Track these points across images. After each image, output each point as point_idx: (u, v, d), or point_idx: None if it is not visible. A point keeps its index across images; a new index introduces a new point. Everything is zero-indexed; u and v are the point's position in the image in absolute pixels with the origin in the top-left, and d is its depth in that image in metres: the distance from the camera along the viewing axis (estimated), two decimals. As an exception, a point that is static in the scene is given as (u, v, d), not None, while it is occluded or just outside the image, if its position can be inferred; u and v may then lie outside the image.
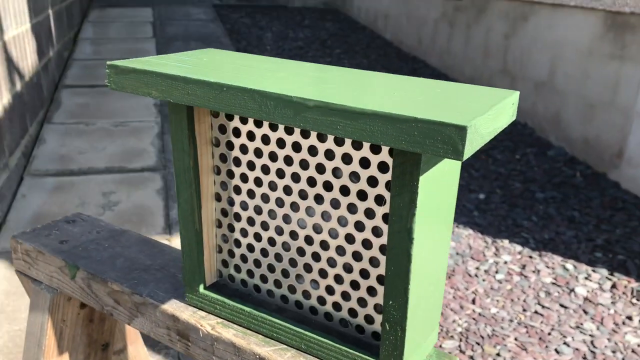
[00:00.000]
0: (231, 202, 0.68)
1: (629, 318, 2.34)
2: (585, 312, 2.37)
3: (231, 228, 0.69)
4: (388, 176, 0.55)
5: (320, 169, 0.59)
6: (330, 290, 0.64)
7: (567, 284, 2.54)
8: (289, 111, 0.50)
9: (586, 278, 2.61)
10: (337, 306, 0.64)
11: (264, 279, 0.69)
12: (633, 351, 2.15)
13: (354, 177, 0.58)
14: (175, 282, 0.78)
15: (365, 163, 0.56)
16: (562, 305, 2.38)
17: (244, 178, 0.66)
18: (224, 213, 0.69)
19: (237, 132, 0.64)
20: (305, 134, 0.59)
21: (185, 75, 0.55)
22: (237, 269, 0.70)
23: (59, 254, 0.83)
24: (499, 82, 4.14)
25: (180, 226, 0.69)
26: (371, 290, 0.61)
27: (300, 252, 0.64)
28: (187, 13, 6.22)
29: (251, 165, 0.64)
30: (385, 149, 0.54)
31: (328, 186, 0.60)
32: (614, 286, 2.54)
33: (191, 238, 0.69)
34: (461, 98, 0.51)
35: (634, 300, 2.46)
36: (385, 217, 0.57)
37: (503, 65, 4.10)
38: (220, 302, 0.69)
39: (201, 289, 0.71)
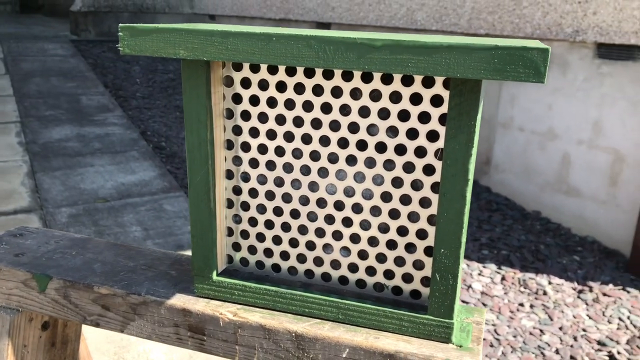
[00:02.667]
0: (245, 178, 0.64)
1: (521, 305, 2.54)
2: (484, 305, 2.54)
3: (245, 206, 0.65)
4: (429, 126, 0.56)
5: (354, 127, 0.59)
6: (363, 255, 0.62)
7: (464, 281, 2.71)
8: (352, 54, 0.49)
9: (479, 274, 2.80)
10: (371, 270, 0.63)
11: (285, 255, 0.65)
12: (530, 333, 2.33)
13: (391, 132, 0.58)
14: (171, 278, 0.71)
15: (405, 115, 0.57)
16: (463, 301, 2.52)
17: (262, 149, 0.63)
18: (237, 191, 0.65)
19: (254, 100, 0.62)
20: (336, 93, 0.58)
21: (222, 29, 0.52)
22: (252, 250, 0.66)
23: (19, 267, 0.72)
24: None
25: (191, 208, 0.64)
26: (410, 247, 0.61)
27: (329, 219, 0.62)
28: (43, 48, 5.81)
29: (271, 134, 0.62)
30: (427, 102, 0.55)
31: (362, 145, 0.59)
32: (503, 278, 2.75)
33: (204, 220, 0.64)
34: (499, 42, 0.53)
35: (522, 289, 2.68)
36: (425, 169, 0.58)
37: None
38: (239, 287, 0.65)
39: (214, 276, 0.66)
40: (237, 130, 0.63)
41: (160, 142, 3.92)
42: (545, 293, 2.59)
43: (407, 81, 0.56)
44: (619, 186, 2.86)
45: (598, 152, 2.93)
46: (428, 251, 0.60)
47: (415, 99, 0.56)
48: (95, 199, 3.03)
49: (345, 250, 0.63)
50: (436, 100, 0.55)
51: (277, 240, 0.65)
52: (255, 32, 0.51)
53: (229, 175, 0.65)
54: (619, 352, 2.21)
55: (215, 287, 0.66)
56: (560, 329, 2.32)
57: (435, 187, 0.58)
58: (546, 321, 2.37)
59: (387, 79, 0.56)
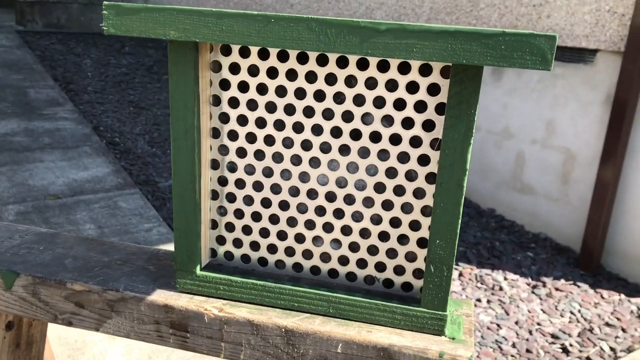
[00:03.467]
0: (232, 168, 0.62)
1: (479, 300, 2.59)
2: (444, 301, 2.57)
3: (231, 198, 0.63)
4: (425, 116, 0.56)
5: (348, 116, 0.57)
6: (354, 247, 0.61)
7: (424, 277, 2.73)
8: (354, 38, 0.48)
9: (438, 271, 2.83)
10: (362, 263, 0.61)
11: (272, 249, 0.63)
12: (488, 328, 2.38)
13: (386, 121, 0.57)
14: (149, 273, 0.68)
15: (401, 104, 0.56)
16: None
17: (250, 138, 0.60)
18: (222, 182, 0.63)
19: (243, 87, 0.59)
20: (330, 81, 0.57)
21: (216, 10, 0.50)
22: (237, 243, 0.64)
23: (-17, 263, 0.67)
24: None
25: (175, 199, 0.61)
26: (402, 239, 0.60)
27: (320, 211, 0.61)
28: (-15, 38, 5.53)
29: (261, 123, 0.60)
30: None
31: (356, 135, 0.58)
32: (461, 274, 2.80)
33: (189, 212, 0.61)
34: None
35: (479, 285, 2.73)
36: (420, 159, 0.57)
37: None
38: (225, 281, 0.62)
39: (198, 270, 0.63)
40: (224, 118, 0.60)
41: (114, 138, 3.80)
42: (501, 288, 2.65)
43: (404, 69, 0.55)
44: (570, 184, 2.96)
45: (551, 151, 3.02)
46: (421, 243, 0.59)
47: (412, 87, 0.55)
48: (45, 196, 2.91)
49: (336, 243, 0.61)
50: (433, 89, 0.55)
51: (264, 232, 0.63)
52: (253, 13, 0.49)
53: (214, 165, 0.62)
54: (571, 345, 2.28)
55: (199, 282, 0.63)
56: (516, 323, 2.38)
57: (429, 178, 0.57)
58: (503, 316, 2.42)
59: (383, 67, 0.55)
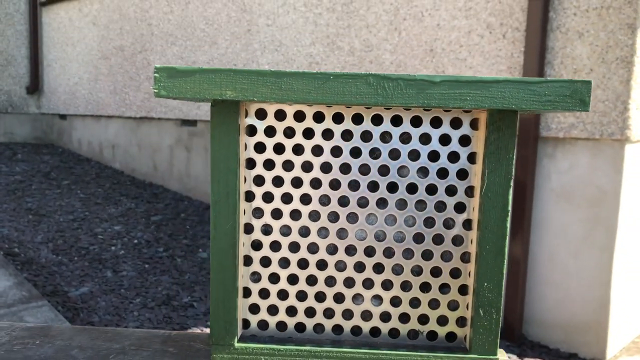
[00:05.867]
0: (266, 231, 0.61)
1: None
2: None
3: (265, 262, 0.61)
4: (457, 166, 0.59)
5: (384, 170, 0.60)
6: (395, 302, 0.61)
7: None
8: (411, 90, 0.51)
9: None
10: (404, 317, 0.61)
11: (310, 312, 0.62)
12: None
13: (421, 172, 0.60)
14: (172, 356, 0.62)
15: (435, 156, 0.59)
16: None
17: (286, 198, 0.60)
18: (256, 246, 0.61)
19: (279, 148, 0.60)
20: (366, 137, 0.59)
21: (274, 69, 0.51)
22: (273, 310, 0.62)
23: (-25, 363, 0.59)
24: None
25: (214, 266, 0.58)
26: (444, 288, 0.61)
27: (359, 267, 0.61)
28: None
29: (297, 182, 0.60)
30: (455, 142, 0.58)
31: (392, 187, 0.60)
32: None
33: (228, 279, 0.58)
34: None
35: None
36: (456, 207, 0.60)
37: (246, 181, 4.37)
38: (267, 351, 0.59)
39: (236, 343, 0.59)
40: (259, 181, 0.60)
41: (13, 249, 3.50)
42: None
43: (436, 123, 0.59)
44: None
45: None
46: (462, 290, 0.61)
47: (444, 140, 0.59)
48: (-63, 317, 2.58)
49: (377, 299, 0.61)
50: (464, 140, 0.59)
51: (301, 296, 0.61)
52: (311, 72, 0.51)
53: (248, 229, 0.61)
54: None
55: (237, 355, 0.59)
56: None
57: (466, 224, 0.60)
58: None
59: (416, 122, 0.59)
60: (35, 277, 3.18)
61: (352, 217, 0.60)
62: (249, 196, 0.60)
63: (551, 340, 2.91)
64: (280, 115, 0.59)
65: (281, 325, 0.62)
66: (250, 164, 0.60)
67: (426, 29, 3.12)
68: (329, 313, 0.61)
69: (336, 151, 0.60)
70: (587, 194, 2.78)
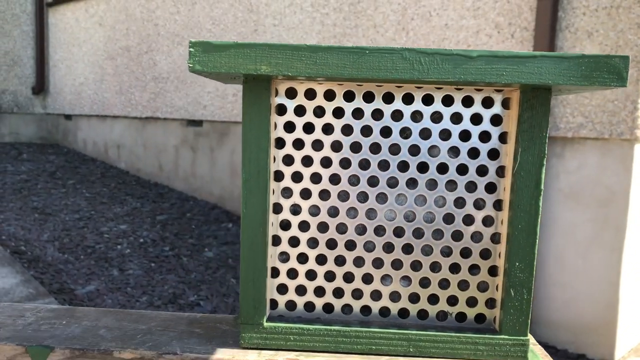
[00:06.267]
0: (295, 211, 0.61)
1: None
2: None
3: (294, 242, 0.61)
4: (488, 146, 0.59)
5: (414, 149, 0.59)
6: (424, 282, 0.61)
7: None
8: (447, 65, 0.51)
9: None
10: (433, 298, 0.61)
11: (338, 293, 0.61)
12: None
13: (452, 152, 0.59)
14: (200, 336, 0.62)
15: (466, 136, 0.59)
16: None
17: (315, 178, 0.60)
18: (284, 226, 0.61)
19: (309, 128, 0.60)
20: (396, 117, 0.59)
21: (309, 44, 0.51)
22: (301, 290, 0.61)
23: (4, 341, 0.59)
24: (251, 198, 4.37)
25: (244, 245, 0.58)
26: (473, 269, 0.60)
27: (388, 248, 0.60)
28: None
29: (326, 163, 0.60)
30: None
31: (423, 167, 0.60)
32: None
33: (258, 258, 0.58)
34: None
35: None
36: (487, 187, 0.59)
37: (252, 182, 4.37)
38: (296, 331, 0.59)
39: (265, 322, 0.59)
40: (288, 160, 0.60)
41: (19, 247, 3.51)
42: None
43: (468, 103, 0.58)
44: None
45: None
46: (492, 271, 0.60)
47: (476, 119, 0.59)
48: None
49: (406, 280, 0.61)
50: (496, 120, 0.59)
51: (330, 276, 0.61)
52: (347, 46, 0.51)
53: (277, 209, 0.61)
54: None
55: (266, 334, 0.59)
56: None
57: (497, 205, 0.60)
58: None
59: (447, 101, 0.59)
60: (42, 274, 3.18)
61: (382, 198, 0.60)
62: (278, 176, 0.60)
63: (559, 340, 2.90)
64: (310, 95, 0.59)
65: (309, 306, 0.62)
66: (280, 143, 0.60)
67: (434, 28, 3.12)
68: (357, 294, 0.61)
69: (366, 130, 0.59)
70: (595, 194, 2.77)
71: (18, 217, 3.99)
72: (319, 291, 0.61)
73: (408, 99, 0.59)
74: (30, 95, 6.43)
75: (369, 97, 0.59)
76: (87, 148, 6.00)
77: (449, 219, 0.60)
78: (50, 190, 4.67)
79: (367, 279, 0.61)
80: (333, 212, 0.60)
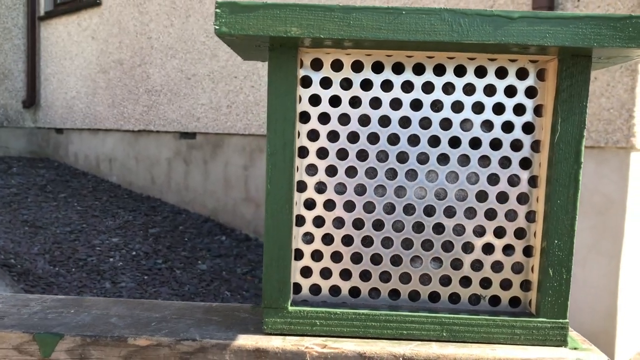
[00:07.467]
0: (320, 189, 0.58)
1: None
2: None
3: (319, 222, 0.58)
4: (523, 119, 0.56)
5: (446, 124, 0.57)
6: (456, 264, 0.58)
7: None
8: (488, 27, 0.48)
9: None
10: (465, 281, 0.58)
11: (365, 276, 0.58)
12: None
13: (485, 126, 0.57)
14: (218, 323, 0.59)
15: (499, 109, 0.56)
16: None
17: (342, 154, 0.57)
18: (309, 205, 0.58)
19: (335, 101, 0.57)
20: (427, 89, 0.56)
21: (342, 4, 0.49)
22: (326, 274, 0.58)
23: (8, 329, 0.55)
24: (245, 210, 4.33)
25: (268, 224, 0.55)
26: (507, 249, 0.58)
27: (418, 227, 0.57)
28: None
29: (353, 138, 0.57)
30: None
31: (454, 142, 0.57)
32: None
33: (284, 238, 0.55)
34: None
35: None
36: (522, 163, 0.57)
37: (246, 194, 4.33)
38: (322, 315, 0.55)
39: (289, 306, 0.56)
40: (313, 136, 0.57)
41: (9, 259, 3.43)
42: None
43: (501, 74, 0.56)
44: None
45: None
46: (527, 251, 0.57)
47: (510, 91, 0.56)
48: None
49: (436, 262, 0.58)
50: (530, 92, 0.56)
51: (356, 258, 0.58)
52: (382, 7, 0.48)
53: (301, 187, 0.57)
54: None
55: (291, 319, 0.55)
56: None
57: (531, 182, 0.57)
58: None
59: (480, 73, 0.56)
60: (32, 288, 3.11)
61: (411, 175, 0.57)
62: (302, 152, 0.57)
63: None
64: (336, 66, 0.56)
65: (334, 290, 0.58)
66: (304, 117, 0.57)
67: None
68: (385, 277, 0.58)
69: (395, 104, 0.57)
70: (593, 202, 2.76)
71: (7, 230, 3.92)
72: (345, 274, 0.58)
73: (439, 70, 0.56)
74: (21, 109, 6.37)
75: (398, 69, 0.56)
76: (79, 162, 5.93)
77: (481, 196, 0.57)
78: (40, 203, 4.60)
79: (396, 260, 0.58)
80: (360, 190, 0.57)
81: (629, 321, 2.74)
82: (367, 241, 0.58)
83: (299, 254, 0.58)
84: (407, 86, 0.56)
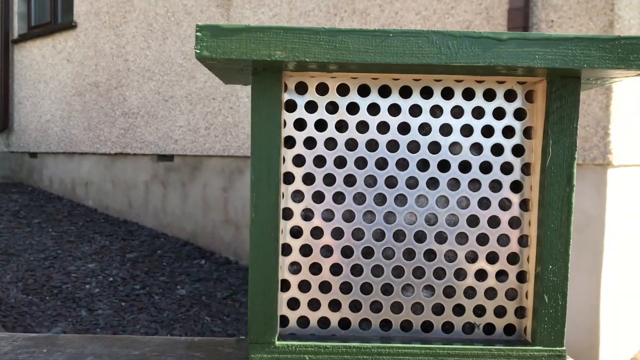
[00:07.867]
0: (307, 217, 0.55)
1: None
2: None
3: (306, 251, 0.55)
4: (513, 142, 0.55)
5: (435, 147, 0.55)
6: (448, 292, 0.56)
7: None
8: (477, 49, 0.47)
9: None
10: (458, 309, 0.56)
11: (355, 306, 0.56)
12: None
13: (475, 149, 0.55)
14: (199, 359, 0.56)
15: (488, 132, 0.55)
16: None
17: (328, 180, 0.55)
18: (295, 233, 0.55)
19: (321, 125, 0.55)
20: (415, 112, 0.55)
21: (328, 27, 0.47)
22: (314, 305, 0.56)
23: (-25, 373, 0.51)
24: (224, 232, 4.28)
25: (253, 253, 0.52)
26: (501, 275, 0.56)
27: (409, 254, 0.55)
28: None
29: (340, 162, 0.55)
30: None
31: (444, 166, 0.55)
32: None
33: (269, 269, 0.52)
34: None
35: None
36: (512, 186, 0.55)
37: (225, 216, 4.28)
38: (311, 349, 0.53)
39: (276, 341, 0.53)
40: (298, 161, 0.55)
41: (-20, 289, 3.32)
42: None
43: (490, 96, 0.55)
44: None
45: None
46: (520, 277, 0.56)
47: (498, 114, 0.55)
48: None
49: (428, 290, 0.56)
50: (519, 114, 0.55)
51: (346, 288, 0.56)
52: (369, 29, 0.47)
53: (287, 214, 0.55)
54: None
55: (278, 354, 0.53)
56: None
57: (523, 205, 0.56)
58: None
59: (468, 95, 0.55)
60: (4, 318, 3.01)
61: (401, 200, 0.55)
62: (288, 178, 0.55)
63: None
64: (321, 89, 0.55)
65: (323, 322, 0.56)
66: (289, 142, 0.55)
67: None
68: (376, 307, 0.56)
69: (383, 127, 0.55)
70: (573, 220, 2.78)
71: (-21, 258, 3.80)
72: (334, 305, 0.56)
73: (427, 93, 0.55)
74: (-7, 134, 6.24)
75: (385, 92, 0.55)
76: (53, 186, 5.81)
77: (473, 221, 0.55)
78: (13, 229, 4.48)
79: (387, 289, 0.56)
80: (348, 216, 0.55)
81: (612, 336, 2.75)
82: (357, 270, 0.56)
83: (285, 285, 0.55)
84: (394, 109, 0.55)
